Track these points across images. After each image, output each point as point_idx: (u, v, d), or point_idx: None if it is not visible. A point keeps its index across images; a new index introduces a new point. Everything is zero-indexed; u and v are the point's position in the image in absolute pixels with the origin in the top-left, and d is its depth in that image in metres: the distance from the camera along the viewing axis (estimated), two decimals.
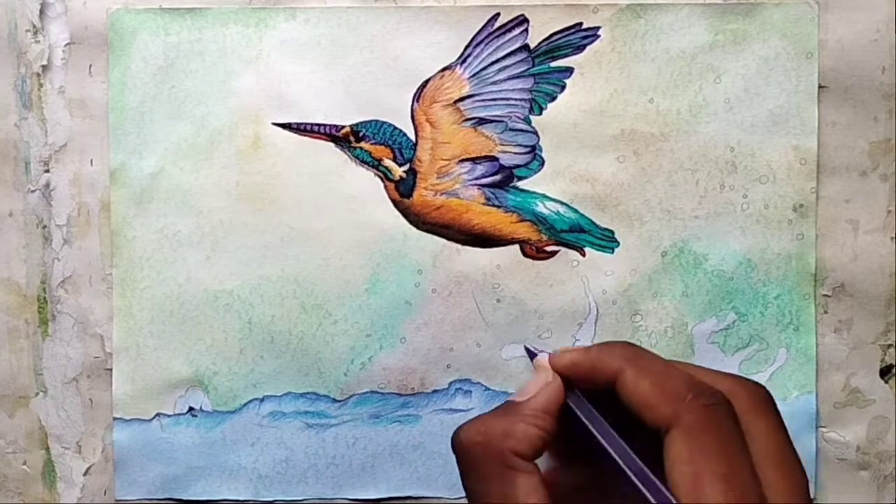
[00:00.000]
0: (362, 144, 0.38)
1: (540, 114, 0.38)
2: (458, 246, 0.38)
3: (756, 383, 0.27)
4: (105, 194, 0.39)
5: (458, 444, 0.27)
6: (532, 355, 0.29)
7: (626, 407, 0.26)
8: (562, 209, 0.38)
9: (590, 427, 0.26)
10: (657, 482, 0.24)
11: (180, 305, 0.39)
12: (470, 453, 0.27)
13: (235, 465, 0.39)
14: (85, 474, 0.39)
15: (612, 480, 0.25)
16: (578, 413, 0.27)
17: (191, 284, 0.39)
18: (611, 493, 0.26)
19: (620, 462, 0.25)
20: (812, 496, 0.38)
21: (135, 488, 0.39)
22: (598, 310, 0.38)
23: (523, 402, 0.27)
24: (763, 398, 0.26)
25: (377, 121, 0.38)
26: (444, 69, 0.38)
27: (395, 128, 0.38)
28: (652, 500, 0.24)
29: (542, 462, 0.27)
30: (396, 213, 0.38)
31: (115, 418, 0.39)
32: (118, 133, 0.38)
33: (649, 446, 0.25)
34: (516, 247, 0.39)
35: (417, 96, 0.38)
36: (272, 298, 0.39)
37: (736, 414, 0.25)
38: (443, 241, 0.38)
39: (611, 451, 0.26)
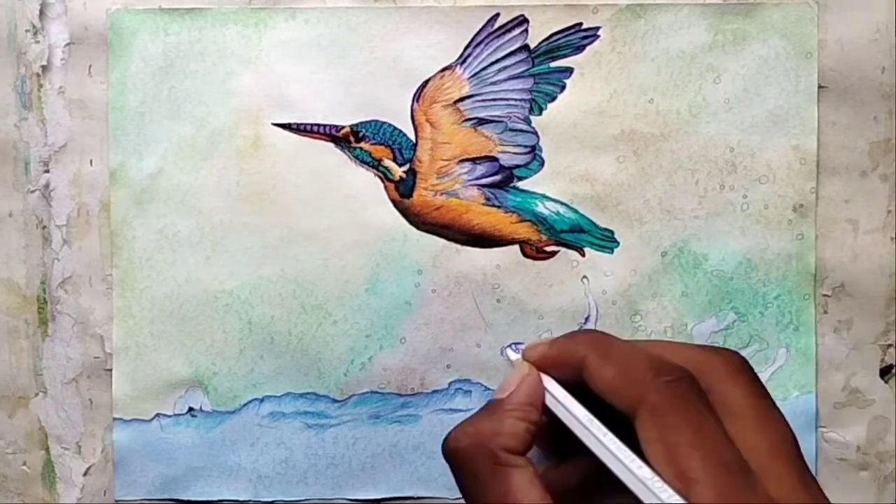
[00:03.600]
0: (362, 144, 0.38)
1: (540, 114, 0.38)
2: (458, 246, 0.38)
3: (729, 351, 0.27)
4: (105, 194, 0.39)
5: (449, 451, 0.27)
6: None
7: (597, 395, 0.25)
8: (562, 209, 0.38)
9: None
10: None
11: (180, 305, 0.39)
12: (461, 457, 0.26)
13: (235, 466, 0.39)
14: (85, 474, 0.39)
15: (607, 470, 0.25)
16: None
17: (191, 285, 0.39)
18: (611, 484, 0.26)
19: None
20: None
21: (135, 489, 0.39)
22: (597, 310, 0.38)
23: (505, 398, 0.27)
24: (737, 364, 0.26)
25: (377, 121, 0.38)
26: (443, 69, 0.38)
27: (395, 128, 0.38)
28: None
29: (540, 460, 0.27)
30: (396, 213, 0.38)
31: (114, 418, 0.39)
32: (118, 133, 0.38)
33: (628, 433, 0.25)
34: (516, 247, 0.38)
35: (417, 96, 0.38)
36: (272, 298, 0.38)
37: (700, 386, 0.25)
38: (443, 241, 0.38)
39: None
